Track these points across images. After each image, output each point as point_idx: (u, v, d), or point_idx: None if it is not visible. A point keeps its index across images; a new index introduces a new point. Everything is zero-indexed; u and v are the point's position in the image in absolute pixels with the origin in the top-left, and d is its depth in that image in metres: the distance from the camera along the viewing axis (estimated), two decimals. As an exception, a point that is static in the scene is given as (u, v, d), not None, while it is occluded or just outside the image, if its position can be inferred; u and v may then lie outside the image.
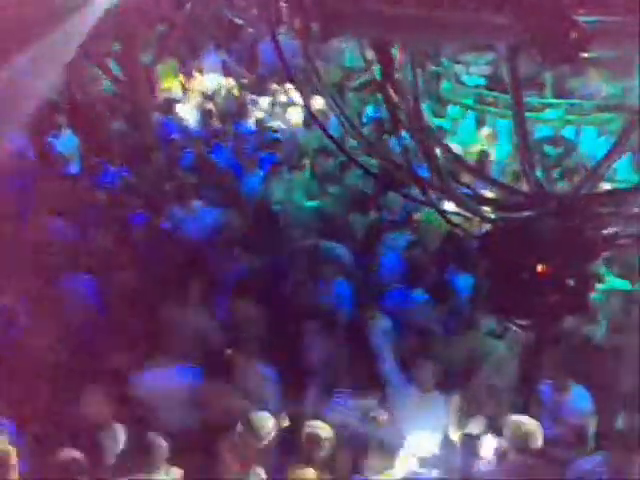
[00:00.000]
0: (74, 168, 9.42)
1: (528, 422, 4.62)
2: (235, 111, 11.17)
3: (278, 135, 9.81)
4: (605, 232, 2.64)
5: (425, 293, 6.23)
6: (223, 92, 11.81)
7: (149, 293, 6.54)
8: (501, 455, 4.71)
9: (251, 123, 10.77)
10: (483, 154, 7.88)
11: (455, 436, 5.12)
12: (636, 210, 2.61)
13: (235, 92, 11.85)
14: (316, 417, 5.00)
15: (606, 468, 4.44)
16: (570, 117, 8.07)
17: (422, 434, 4.61)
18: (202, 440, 5.12)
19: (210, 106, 11.19)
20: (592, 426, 5.15)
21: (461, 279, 6.36)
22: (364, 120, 9.64)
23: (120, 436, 4.94)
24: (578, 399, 5.09)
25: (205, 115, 10.85)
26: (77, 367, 5.66)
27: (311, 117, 6.65)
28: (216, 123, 10.73)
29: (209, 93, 11.69)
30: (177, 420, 5.25)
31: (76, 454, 4.43)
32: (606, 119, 7.85)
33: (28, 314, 6.17)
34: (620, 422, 5.15)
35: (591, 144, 8.46)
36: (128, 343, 5.77)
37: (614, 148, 2.45)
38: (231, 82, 12.04)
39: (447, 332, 5.80)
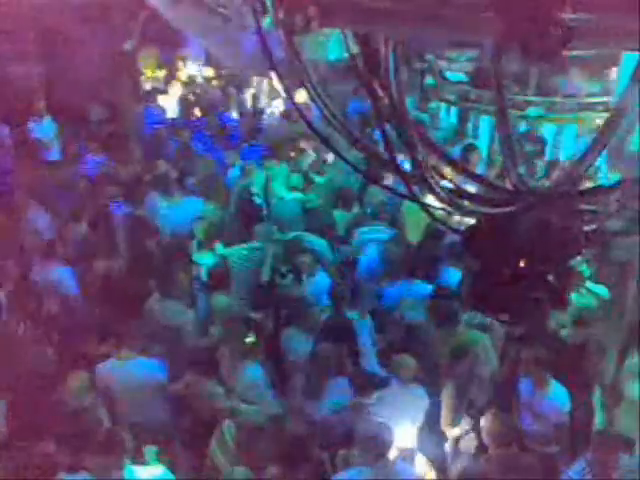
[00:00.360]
0: (54, 155, 9.34)
1: (506, 417, 4.65)
2: (218, 101, 11.10)
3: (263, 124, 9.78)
4: (587, 229, 2.65)
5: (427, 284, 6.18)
6: (206, 82, 11.74)
7: (128, 283, 6.50)
8: (481, 449, 4.75)
9: (234, 113, 10.72)
10: (470, 148, 7.83)
11: (444, 429, 5.14)
12: (616, 207, 2.63)
13: (218, 82, 11.78)
14: (302, 412, 4.98)
15: (591, 472, 4.45)
16: (550, 115, 8.14)
17: (403, 427, 4.62)
18: (189, 436, 5.08)
19: (193, 96, 11.11)
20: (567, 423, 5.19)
21: (446, 273, 6.36)
22: (347, 113, 9.62)
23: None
24: (557, 395, 5.12)
25: (188, 105, 10.77)
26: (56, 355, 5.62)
27: (294, 108, 6.59)
28: (199, 113, 10.67)
29: (192, 83, 11.60)
30: (143, 413, 5.16)
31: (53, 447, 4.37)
32: (586, 117, 7.94)
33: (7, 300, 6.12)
34: (600, 422, 5.19)
35: (571, 142, 8.52)
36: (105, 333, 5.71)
37: (593, 146, 2.46)
38: (214, 72, 11.96)
39: (431, 325, 5.77)
